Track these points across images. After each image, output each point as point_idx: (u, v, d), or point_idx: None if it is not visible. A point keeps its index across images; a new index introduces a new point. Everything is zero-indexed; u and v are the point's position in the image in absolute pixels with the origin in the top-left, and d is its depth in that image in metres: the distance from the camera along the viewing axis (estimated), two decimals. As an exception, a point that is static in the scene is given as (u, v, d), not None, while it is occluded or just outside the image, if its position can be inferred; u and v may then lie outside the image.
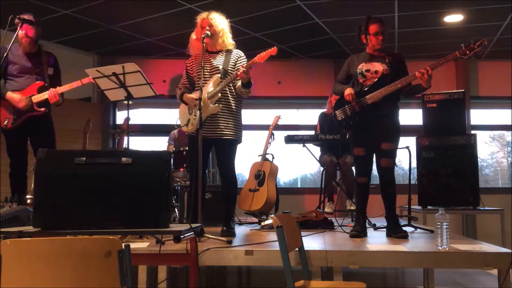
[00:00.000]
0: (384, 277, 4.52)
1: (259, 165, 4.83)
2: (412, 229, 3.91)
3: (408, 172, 4.47)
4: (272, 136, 5.04)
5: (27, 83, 3.85)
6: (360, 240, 3.19)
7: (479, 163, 5.17)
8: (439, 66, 3.21)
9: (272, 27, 5.76)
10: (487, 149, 7.46)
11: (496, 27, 5.68)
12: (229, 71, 3.43)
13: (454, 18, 5.45)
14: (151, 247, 2.75)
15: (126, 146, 3.69)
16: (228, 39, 3.51)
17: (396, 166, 3.50)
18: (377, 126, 3.38)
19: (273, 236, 3.15)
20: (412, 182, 4.52)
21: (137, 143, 7.00)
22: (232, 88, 3.45)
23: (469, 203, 4.81)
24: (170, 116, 6.98)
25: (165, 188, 2.12)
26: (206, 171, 3.91)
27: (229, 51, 3.52)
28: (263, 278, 4.34)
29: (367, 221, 3.77)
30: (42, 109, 3.85)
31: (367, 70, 3.44)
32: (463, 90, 5.20)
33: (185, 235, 2.13)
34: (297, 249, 2.43)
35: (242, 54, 3.55)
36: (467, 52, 3.16)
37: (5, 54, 3.71)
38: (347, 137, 4.24)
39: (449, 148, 4.88)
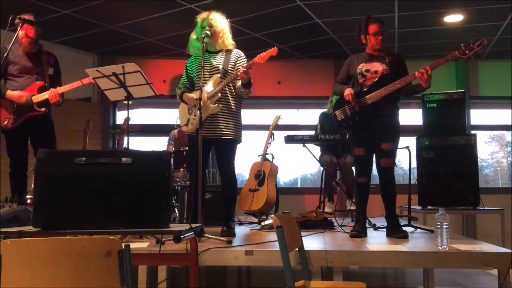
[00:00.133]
0: (384, 277, 4.52)
1: (259, 165, 4.83)
2: (412, 229, 3.91)
3: (408, 172, 4.47)
4: (272, 136, 5.04)
5: (27, 83, 3.85)
6: (360, 240, 3.19)
7: (479, 163, 5.17)
8: (438, 66, 3.21)
9: (272, 27, 5.76)
10: (487, 149, 7.47)
11: (496, 27, 5.68)
12: (229, 71, 3.43)
13: (454, 18, 5.45)
14: (151, 247, 2.75)
15: (126, 146, 3.69)
16: (228, 39, 3.50)
17: (396, 166, 3.50)
18: (377, 126, 3.38)
19: (273, 236, 3.15)
20: (412, 182, 4.52)
21: (137, 143, 7.01)
22: (232, 88, 3.45)
23: (469, 203, 4.81)
24: (170, 116, 6.98)
25: (165, 188, 2.12)
26: (206, 171, 3.91)
27: (229, 51, 3.52)
28: (263, 278, 4.34)
29: (367, 221, 3.77)
30: (43, 109, 3.85)
31: (367, 70, 3.44)
32: (463, 90, 5.20)
33: (185, 235, 2.13)
34: (297, 249, 2.43)
35: (242, 54, 3.55)
36: (467, 52, 3.16)
37: (5, 54, 3.71)
38: (347, 137, 4.24)
39: (449, 148, 4.88)
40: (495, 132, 7.48)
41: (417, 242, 3.17)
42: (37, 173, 2.11)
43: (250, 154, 5.19)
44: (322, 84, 6.87)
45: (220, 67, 3.44)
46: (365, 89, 3.40)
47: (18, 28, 3.76)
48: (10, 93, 3.79)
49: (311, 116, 6.95)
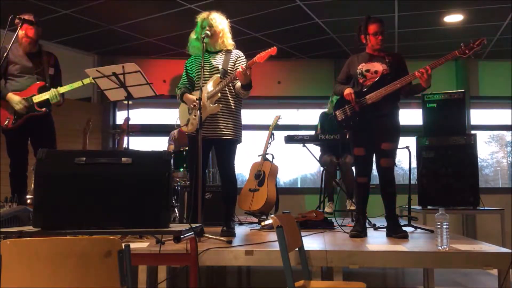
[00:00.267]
0: (384, 277, 4.52)
1: (259, 165, 4.83)
2: (412, 229, 3.91)
3: (408, 172, 4.47)
4: (272, 136, 5.04)
5: (28, 83, 3.85)
6: (360, 240, 3.19)
7: (479, 163, 5.17)
8: (438, 66, 3.21)
9: (272, 27, 5.76)
10: (487, 149, 7.47)
11: (496, 27, 5.68)
12: (229, 71, 3.43)
13: (454, 18, 5.45)
14: (151, 247, 2.75)
15: (126, 146, 3.69)
16: (228, 39, 3.50)
17: (396, 166, 3.50)
18: (377, 126, 3.38)
19: (273, 236, 3.15)
20: (412, 182, 4.52)
21: (137, 143, 7.01)
22: (232, 88, 3.45)
23: (469, 203, 4.81)
24: (170, 116, 6.99)
25: (165, 188, 2.12)
26: (206, 171, 3.91)
27: (228, 51, 3.52)
28: (263, 278, 4.34)
29: (367, 221, 3.77)
30: (43, 109, 3.85)
31: (367, 70, 3.44)
32: (463, 90, 5.20)
33: (185, 235, 2.13)
34: (297, 249, 2.43)
35: (241, 54, 3.55)
36: (467, 51, 3.16)
37: (5, 54, 3.71)
38: (347, 137, 4.24)
39: (449, 148, 4.88)
40: (495, 132, 7.48)
41: (417, 242, 3.17)
42: (37, 173, 2.11)
43: (250, 154, 5.19)
44: (322, 84, 6.88)
45: (220, 67, 3.44)
46: (365, 89, 3.40)
47: (18, 28, 3.76)
48: (10, 96, 3.78)
49: (311, 116, 6.96)
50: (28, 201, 3.79)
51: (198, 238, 2.78)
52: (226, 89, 3.42)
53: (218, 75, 3.41)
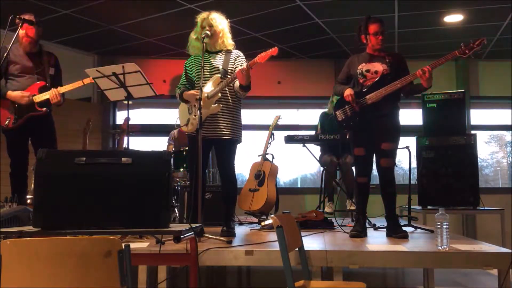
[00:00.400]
0: (384, 277, 4.52)
1: (259, 165, 4.83)
2: (412, 229, 3.91)
3: (408, 172, 4.47)
4: (272, 136, 5.04)
5: (28, 83, 3.85)
6: (360, 240, 3.19)
7: (479, 163, 5.17)
8: (438, 66, 3.21)
9: (272, 27, 5.76)
10: (487, 149, 7.47)
11: (496, 27, 5.68)
12: (229, 71, 3.43)
13: (454, 18, 5.45)
14: (151, 247, 2.75)
15: (126, 146, 3.69)
16: (228, 39, 3.50)
17: (396, 166, 3.49)
18: (377, 126, 3.38)
19: (273, 236, 3.15)
20: (412, 182, 4.52)
21: (137, 143, 7.01)
22: (232, 88, 3.45)
23: (469, 203, 4.81)
24: (170, 116, 6.98)
25: (165, 188, 2.12)
26: (206, 171, 3.91)
27: (228, 51, 3.52)
28: (263, 278, 4.34)
29: (367, 221, 3.77)
30: (43, 109, 3.85)
31: (367, 70, 3.44)
32: (463, 90, 5.20)
33: (185, 235, 2.13)
34: (297, 249, 2.43)
35: (241, 54, 3.55)
36: (467, 51, 3.16)
37: (5, 54, 3.71)
38: (347, 137, 4.24)
39: (449, 148, 4.88)
40: (495, 132, 7.48)
41: (417, 242, 3.17)
42: (37, 173, 2.11)
43: (250, 154, 5.19)
44: (322, 84, 6.87)
45: (220, 67, 3.44)
46: (365, 89, 3.40)
47: (18, 28, 3.76)
48: (11, 93, 3.78)
49: (311, 116, 6.96)
50: (28, 201, 3.79)
51: (198, 238, 2.78)
52: (226, 89, 3.41)
53: (218, 75, 3.41)
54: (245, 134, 3.61)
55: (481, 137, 7.13)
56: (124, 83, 3.43)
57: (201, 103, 3.11)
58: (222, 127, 3.39)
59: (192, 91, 3.41)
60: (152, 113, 7.32)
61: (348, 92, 3.40)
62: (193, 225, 2.24)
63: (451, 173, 4.83)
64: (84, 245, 1.35)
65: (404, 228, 3.44)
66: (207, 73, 3.44)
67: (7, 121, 3.79)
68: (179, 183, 4.76)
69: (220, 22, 3.45)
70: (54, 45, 6.03)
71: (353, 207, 4.63)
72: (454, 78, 6.94)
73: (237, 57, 3.51)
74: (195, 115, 3.36)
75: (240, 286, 4.29)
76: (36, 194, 2.12)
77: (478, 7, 5.17)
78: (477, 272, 4.30)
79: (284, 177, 7.53)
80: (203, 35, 3.31)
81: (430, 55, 5.38)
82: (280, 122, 5.16)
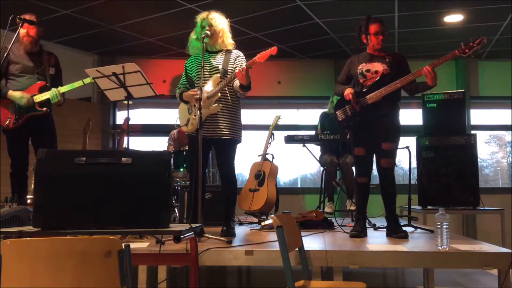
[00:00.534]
0: (384, 277, 4.52)
1: (259, 165, 4.83)
2: (412, 229, 3.91)
3: (408, 172, 4.47)
4: (272, 136, 5.04)
5: (28, 82, 3.85)
6: (360, 240, 3.19)
7: (479, 163, 5.17)
8: (438, 65, 3.21)
9: (272, 27, 5.76)
10: (487, 149, 7.47)
11: (496, 27, 5.68)
12: (229, 71, 3.43)
13: (454, 18, 5.46)
14: (151, 247, 2.74)
15: (126, 146, 3.69)
16: (227, 39, 3.50)
17: (396, 166, 3.49)
18: (377, 126, 3.38)
19: (273, 236, 3.15)
20: (412, 182, 4.52)
21: (137, 143, 7.01)
22: (231, 88, 3.45)
23: (469, 203, 4.81)
24: (170, 116, 6.98)
25: (165, 188, 2.12)
26: (206, 171, 3.91)
27: (228, 51, 3.51)
28: (263, 278, 4.34)
29: (367, 221, 3.77)
30: (44, 109, 3.85)
31: (367, 70, 3.44)
32: (463, 90, 5.20)
33: (185, 235, 2.13)
34: (297, 249, 2.43)
35: (241, 54, 3.54)
36: (467, 50, 3.15)
37: (6, 54, 3.71)
38: (347, 137, 4.24)
39: (449, 148, 4.88)
40: (494, 132, 7.48)
41: (417, 242, 3.17)
42: (37, 173, 2.11)
43: (250, 154, 5.19)
44: (322, 84, 6.88)
45: (220, 67, 3.44)
46: (365, 89, 3.40)
47: (19, 28, 3.76)
48: (11, 93, 3.78)
49: (311, 116, 6.96)
50: (28, 201, 3.79)
51: (198, 238, 2.78)
52: (226, 89, 3.41)
53: (218, 75, 3.41)
54: (245, 134, 3.61)
55: (481, 137, 7.14)
56: (124, 83, 3.43)
57: (201, 103, 3.11)
58: (222, 127, 3.38)
59: (190, 92, 3.41)
60: (152, 113, 7.32)
61: (348, 91, 3.40)
62: (193, 225, 2.24)
63: (451, 173, 4.83)
64: (84, 245, 1.35)
65: (404, 228, 3.43)
66: (207, 73, 3.44)
67: (8, 121, 3.79)
68: (179, 183, 4.76)
69: (219, 21, 3.45)
70: (54, 45, 6.03)
71: (353, 207, 4.63)
72: (454, 78, 6.94)
73: (237, 57, 3.51)
74: (195, 115, 3.36)
75: (240, 286, 4.29)
76: (36, 194, 2.12)
77: (478, 7, 5.17)
78: (477, 272, 4.30)
79: (284, 177, 7.54)
80: (203, 35, 3.31)
81: (430, 55, 5.37)
82: (280, 122, 5.16)
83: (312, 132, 5.48)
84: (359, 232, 3.34)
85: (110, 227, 2.08)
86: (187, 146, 4.43)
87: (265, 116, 6.98)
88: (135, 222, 2.08)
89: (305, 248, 2.50)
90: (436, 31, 5.83)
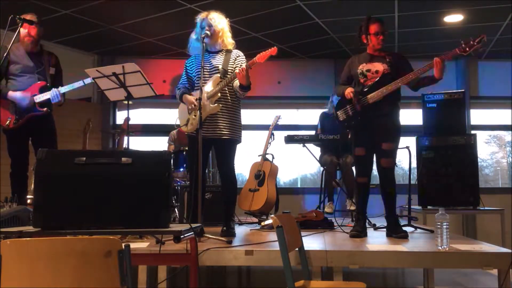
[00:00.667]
0: (384, 277, 4.52)
1: (259, 165, 4.83)
2: (412, 229, 3.91)
3: (408, 172, 4.47)
4: (272, 136, 5.04)
5: (29, 82, 3.85)
6: (360, 240, 3.19)
7: (479, 163, 5.17)
8: (445, 59, 3.19)
9: (272, 27, 5.76)
10: (487, 149, 7.47)
11: (496, 27, 5.68)
12: (229, 71, 3.43)
13: (454, 18, 5.45)
14: (151, 247, 2.75)
15: (126, 146, 3.69)
16: (227, 39, 3.50)
17: (396, 166, 3.50)
18: (377, 126, 3.38)
19: (273, 236, 3.15)
20: (412, 182, 4.52)
21: (137, 143, 7.01)
22: (231, 88, 3.45)
23: (469, 203, 4.81)
24: (170, 116, 6.98)
25: (165, 188, 2.12)
26: (206, 171, 3.91)
27: (228, 51, 3.51)
28: (263, 278, 4.34)
29: (367, 221, 3.77)
30: (44, 109, 3.85)
31: (368, 70, 3.44)
32: (463, 90, 5.21)
33: (185, 235, 2.13)
34: (297, 249, 2.43)
35: (241, 54, 3.54)
36: (467, 49, 3.15)
37: (6, 54, 3.71)
38: (348, 137, 4.24)
39: (449, 148, 4.89)
40: (494, 132, 7.48)
41: (417, 242, 3.17)
42: (37, 173, 2.11)
43: (250, 154, 5.19)
44: (322, 84, 6.88)
45: (220, 67, 3.44)
46: (366, 89, 3.40)
47: (19, 27, 3.76)
48: (12, 93, 3.78)
49: (311, 116, 6.95)
50: (28, 201, 3.79)
51: (198, 238, 2.78)
52: (226, 89, 3.41)
53: (218, 75, 3.41)
54: (245, 134, 3.61)
55: (481, 137, 7.13)
56: (124, 83, 3.44)
57: (201, 104, 3.11)
58: (221, 127, 3.38)
59: (191, 99, 3.39)
60: (152, 113, 7.32)
61: (349, 90, 3.41)
62: (193, 225, 2.24)
63: (451, 173, 4.84)
64: (84, 245, 1.35)
65: (404, 228, 3.44)
66: (207, 73, 3.44)
67: (8, 121, 3.79)
68: (179, 183, 4.76)
69: (219, 21, 3.45)
70: (54, 45, 6.03)
71: (353, 207, 4.63)
72: (454, 78, 6.94)
73: (237, 57, 3.51)
74: (195, 115, 3.36)
75: (240, 286, 4.29)
76: (36, 194, 2.12)
77: (478, 7, 5.17)
78: (477, 272, 4.30)
79: (284, 177, 7.54)
80: (203, 35, 3.31)
81: (430, 55, 5.36)
82: (280, 122, 5.16)
83: (312, 132, 5.48)
84: (359, 232, 3.34)
85: (110, 227, 2.08)
86: (187, 146, 4.43)
87: (265, 116, 6.99)
88: (135, 222, 2.08)
89: (305, 248, 2.50)
90: (436, 31, 5.83)
